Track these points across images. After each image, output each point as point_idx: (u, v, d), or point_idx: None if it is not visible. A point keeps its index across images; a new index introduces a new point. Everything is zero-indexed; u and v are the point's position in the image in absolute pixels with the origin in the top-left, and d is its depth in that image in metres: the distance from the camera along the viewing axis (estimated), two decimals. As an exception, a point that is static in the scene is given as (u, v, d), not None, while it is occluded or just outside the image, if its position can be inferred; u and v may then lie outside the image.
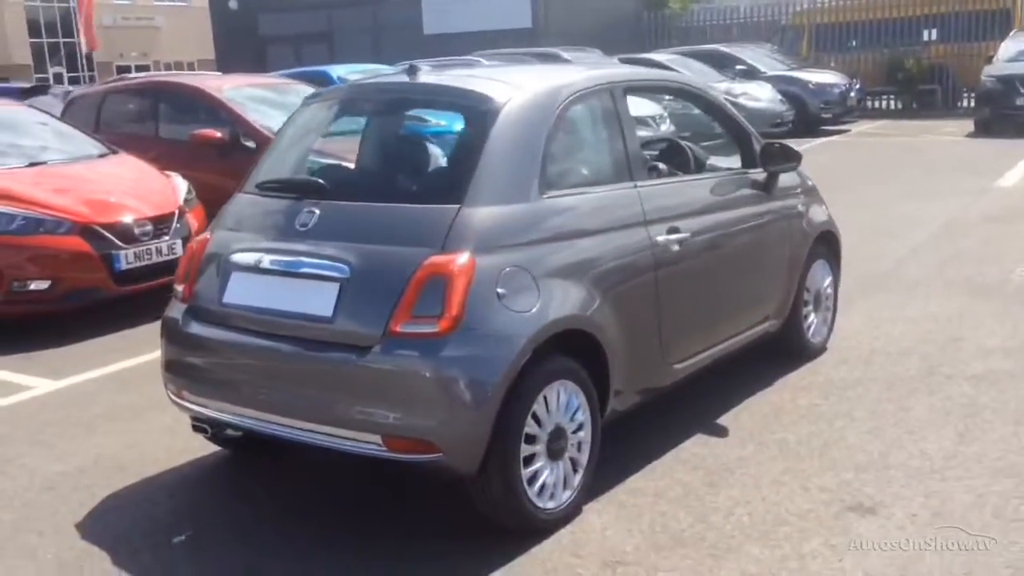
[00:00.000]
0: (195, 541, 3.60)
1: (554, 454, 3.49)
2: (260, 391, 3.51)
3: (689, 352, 4.27)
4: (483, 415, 3.20)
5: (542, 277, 3.42)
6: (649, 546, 3.38)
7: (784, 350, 5.21)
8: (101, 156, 7.74)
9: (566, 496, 3.57)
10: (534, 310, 3.34)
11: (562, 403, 3.51)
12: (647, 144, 5.11)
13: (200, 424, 3.87)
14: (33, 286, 6.35)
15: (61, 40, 52.12)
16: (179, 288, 3.90)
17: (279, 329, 3.49)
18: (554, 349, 3.47)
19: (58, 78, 45.71)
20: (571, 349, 3.56)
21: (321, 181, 3.75)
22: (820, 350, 5.37)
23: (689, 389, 4.50)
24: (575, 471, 3.61)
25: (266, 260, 3.61)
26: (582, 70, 4.20)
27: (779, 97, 17.20)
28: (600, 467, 3.76)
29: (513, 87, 3.72)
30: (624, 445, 4.17)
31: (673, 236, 4.03)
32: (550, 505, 3.50)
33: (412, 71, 3.96)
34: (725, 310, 4.54)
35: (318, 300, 3.40)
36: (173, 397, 3.84)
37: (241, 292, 3.66)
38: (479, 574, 3.24)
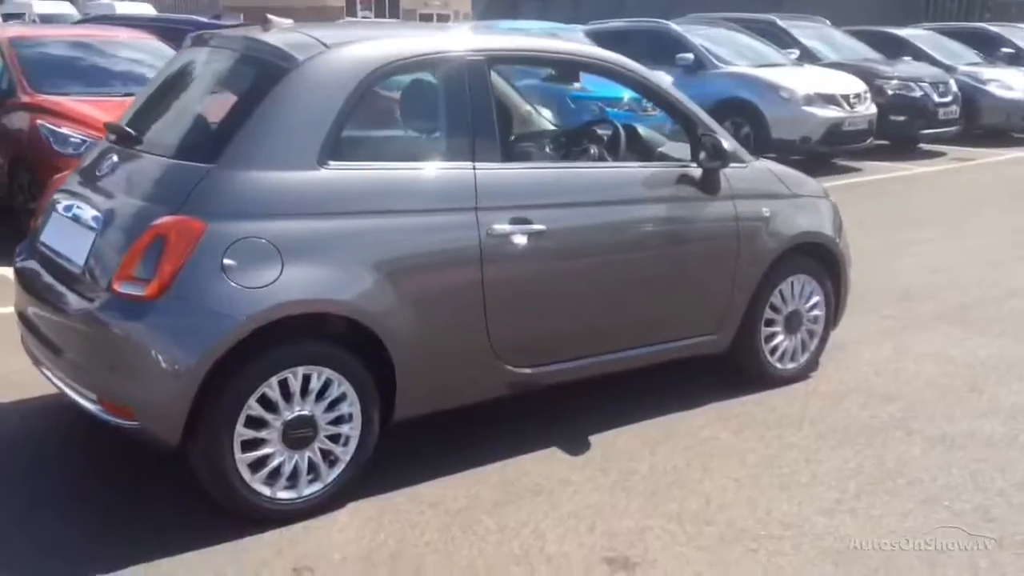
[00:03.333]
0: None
1: (295, 442, 3.26)
2: (42, 335, 3.53)
3: (544, 358, 3.83)
4: (180, 389, 3.04)
5: (294, 253, 3.17)
6: (373, 559, 3.08)
7: (741, 372, 4.57)
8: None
9: (312, 489, 3.33)
10: (266, 287, 3.11)
11: (314, 390, 3.26)
12: (590, 124, 4.62)
13: None
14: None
15: None
16: (32, 224, 4.00)
17: (62, 275, 3.49)
18: (306, 332, 3.23)
19: (359, 21, 48.86)
20: (341, 336, 3.30)
21: (128, 128, 3.67)
22: (791, 378, 4.64)
23: (598, 394, 4.17)
24: (331, 465, 3.35)
25: (64, 203, 3.62)
26: (442, 36, 3.79)
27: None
28: (413, 464, 3.50)
29: (322, 47, 3.44)
30: (453, 447, 3.84)
31: (518, 227, 3.60)
32: (285, 495, 3.27)
33: (265, 23, 3.78)
34: (615, 317, 4.02)
35: (79, 249, 3.38)
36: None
37: (50, 233, 3.70)
38: (171, 551, 3.09)
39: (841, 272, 4.75)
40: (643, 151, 4.43)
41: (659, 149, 4.47)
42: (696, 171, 4.13)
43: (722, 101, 11.49)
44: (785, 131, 11.26)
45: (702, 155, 4.10)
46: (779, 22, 14.40)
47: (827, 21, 15.74)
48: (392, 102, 3.80)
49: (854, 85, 11.93)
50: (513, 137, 4.66)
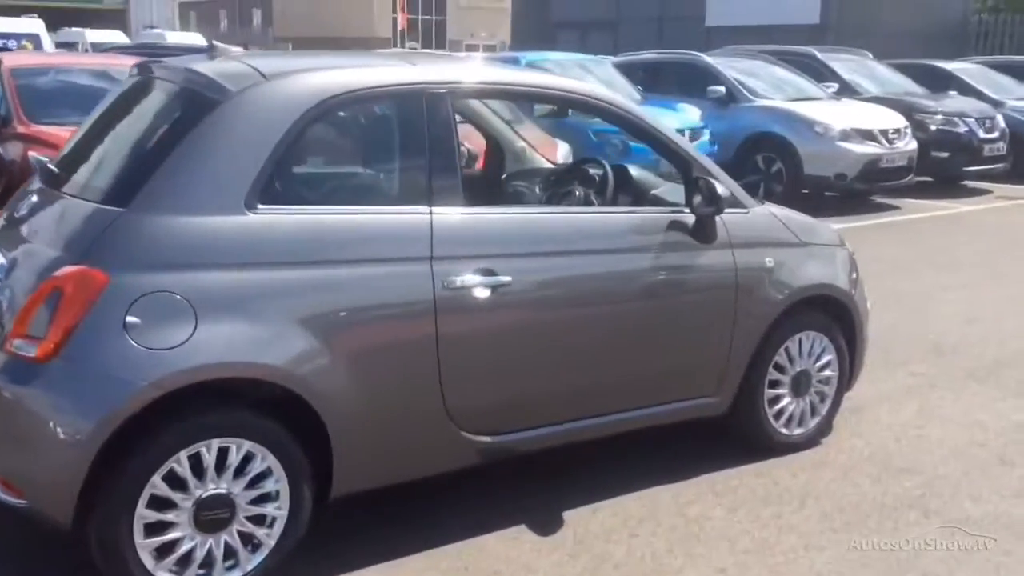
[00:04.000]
0: None
1: (208, 525, 2.87)
2: None
3: (511, 424, 3.42)
4: (71, 463, 2.67)
5: (211, 309, 2.80)
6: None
7: (743, 439, 4.12)
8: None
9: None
10: (175, 349, 2.74)
11: (232, 465, 2.88)
12: (579, 164, 4.23)
13: None
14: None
15: (420, 17, 56.56)
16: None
17: None
18: (224, 399, 2.86)
19: (405, 53, 49.57)
20: (268, 403, 2.92)
21: (53, 168, 3.35)
22: (798, 445, 4.17)
23: (578, 461, 3.82)
24: (252, 550, 2.96)
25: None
26: (399, 67, 3.41)
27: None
28: (355, 546, 3.12)
29: (260, 77, 3.09)
30: (406, 525, 3.43)
31: (479, 279, 3.20)
32: (193, 583, 2.89)
33: (211, 50, 3.44)
34: (595, 378, 3.60)
35: None
36: None
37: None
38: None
39: (856, 328, 4.28)
40: (634, 194, 4.02)
41: (653, 192, 4.05)
42: (689, 217, 3.71)
43: (754, 135, 11.17)
44: (819, 167, 10.78)
45: (696, 200, 3.68)
46: (818, 55, 13.91)
47: (869, 54, 15.22)
48: (338, 139, 3.44)
49: (893, 120, 11.41)
50: (485, 178, 4.28)
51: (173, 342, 2.74)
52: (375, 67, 3.39)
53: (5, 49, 15.31)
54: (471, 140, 4.58)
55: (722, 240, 3.78)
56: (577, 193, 4.00)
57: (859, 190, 11.12)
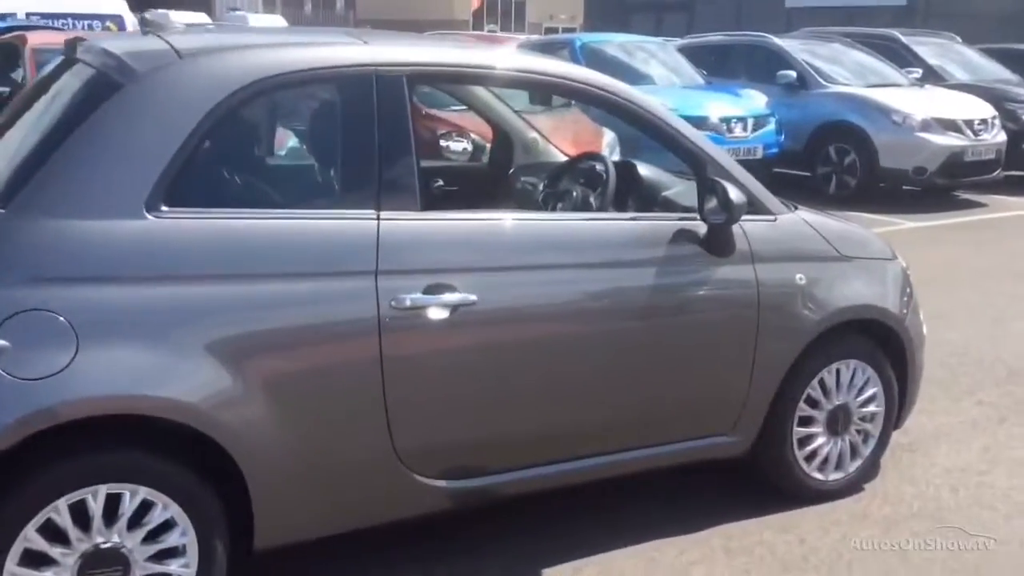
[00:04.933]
0: None
1: None
2: None
3: (478, 466, 2.92)
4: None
5: (98, 332, 2.35)
6: None
7: (768, 483, 3.55)
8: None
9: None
10: (51, 378, 2.29)
11: (124, 514, 2.43)
12: (579, 160, 3.67)
13: None
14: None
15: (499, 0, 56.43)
16: None
17: None
18: (115, 437, 2.42)
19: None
20: (171, 441, 2.47)
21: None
22: (835, 492, 3.58)
23: (561, 507, 3.30)
24: (156, 606, 2.52)
25: None
26: (347, 46, 2.89)
27: None
28: None
29: (174, 56, 2.62)
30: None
31: (435, 298, 2.69)
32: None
33: (143, 25, 2.99)
34: (582, 414, 3.06)
35: None
36: None
37: None
38: None
39: (908, 357, 3.64)
40: (641, 196, 3.47)
41: (664, 195, 3.48)
42: (700, 226, 3.14)
43: (825, 124, 10.42)
44: (896, 160, 9.97)
45: (709, 205, 3.10)
46: (901, 38, 12.96)
47: (958, 38, 14.18)
48: (266, 130, 2.96)
49: (981, 109, 10.51)
50: (489, 174, 3.76)
51: (48, 370, 2.29)
52: (315, 46, 2.88)
53: (89, 30, 15.19)
54: (480, 131, 4.08)
55: (742, 253, 3.20)
56: (574, 194, 3.46)
57: (940, 185, 10.27)
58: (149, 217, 2.45)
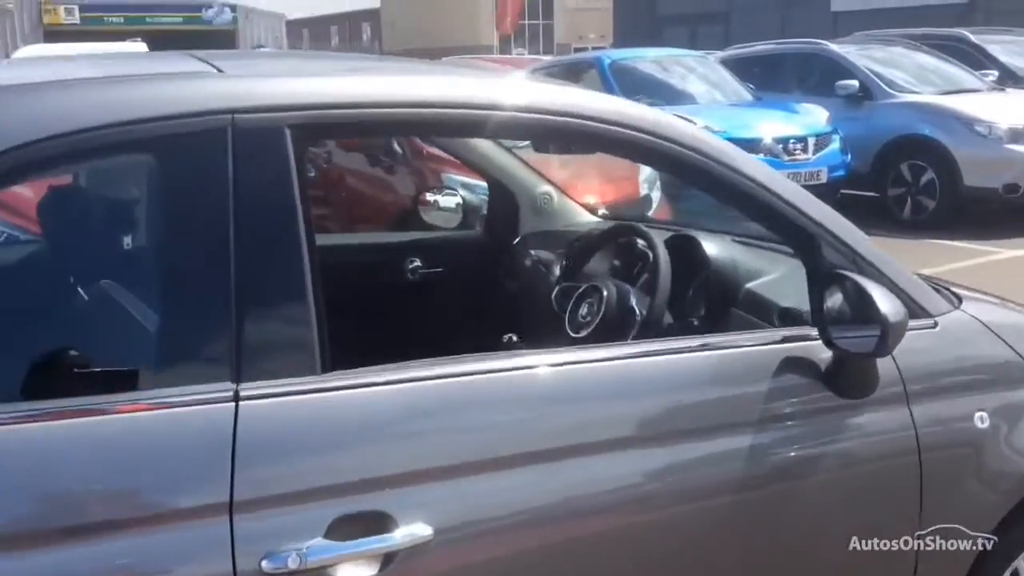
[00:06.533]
0: None
1: None
2: None
3: None
4: None
5: None
6: None
7: None
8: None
9: None
10: None
11: None
12: (613, 233, 2.41)
13: None
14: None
15: (527, 22, 56.05)
16: None
17: None
18: None
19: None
20: None
21: None
22: None
23: None
24: None
25: None
26: (190, 80, 1.62)
27: None
28: None
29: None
30: None
31: (349, 544, 1.44)
32: None
33: None
34: None
35: None
36: None
37: None
38: None
39: None
40: (712, 296, 2.18)
41: (747, 288, 2.19)
42: (818, 348, 1.84)
43: (897, 139, 9.12)
44: (982, 177, 8.63)
45: (833, 311, 1.81)
46: (971, 37, 11.66)
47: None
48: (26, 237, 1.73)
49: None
50: (485, 250, 2.51)
51: None
52: (133, 83, 1.63)
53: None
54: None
55: (889, 385, 1.90)
56: (604, 293, 2.17)
57: (1037, 206, 8.93)
58: None
